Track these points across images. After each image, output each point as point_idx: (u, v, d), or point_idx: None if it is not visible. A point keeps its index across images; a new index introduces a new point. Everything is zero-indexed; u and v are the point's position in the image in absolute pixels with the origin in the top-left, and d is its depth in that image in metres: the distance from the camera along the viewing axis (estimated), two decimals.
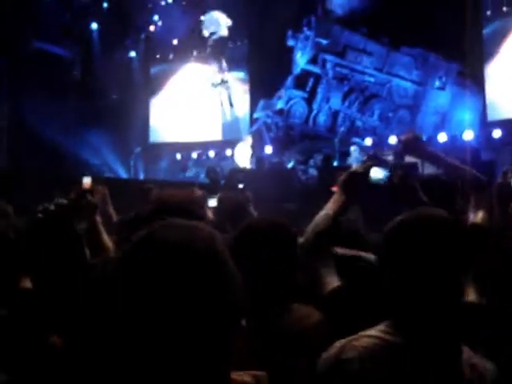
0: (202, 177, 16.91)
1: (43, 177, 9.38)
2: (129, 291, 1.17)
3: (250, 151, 15.93)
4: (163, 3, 19.63)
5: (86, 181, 4.47)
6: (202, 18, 19.19)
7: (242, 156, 16.07)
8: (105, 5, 19.13)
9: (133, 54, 20.13)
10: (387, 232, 1.86)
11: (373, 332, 1.77)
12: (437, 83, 16.96)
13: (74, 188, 3.74)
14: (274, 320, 2.18)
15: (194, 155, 18.73)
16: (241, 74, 19.65)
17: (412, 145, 3.21)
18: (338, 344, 1.76)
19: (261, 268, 2.23)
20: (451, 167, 3.14)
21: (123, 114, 18.50)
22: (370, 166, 2.76)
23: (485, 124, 14.86)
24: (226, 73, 19.67)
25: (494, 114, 14.96)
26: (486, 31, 15.40)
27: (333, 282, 2.44)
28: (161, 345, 1.14)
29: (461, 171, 3.10)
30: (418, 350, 1.71)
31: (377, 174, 2.76)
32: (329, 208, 2.69)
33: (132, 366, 1.16)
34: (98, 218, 3.54)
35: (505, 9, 15.20)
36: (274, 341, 2.10)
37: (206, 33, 19.33)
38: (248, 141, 16.08)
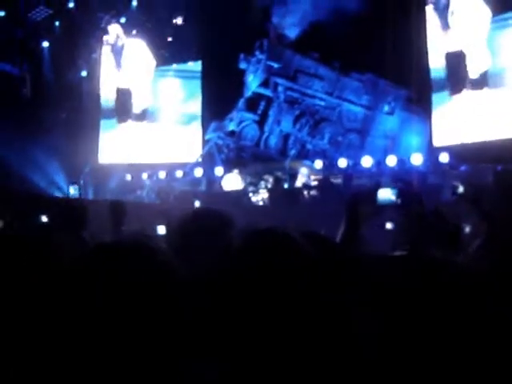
0: (153, 197, 16.82)
1: None
2: None
3: (239, 179, 15.87)
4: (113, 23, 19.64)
5: None
6: None
7: (231, 185, 15.91)
8: (57, 23, 18.97)
9: (84, 73, 19.97)
10: None
11: None
12: (386, 108, 17.25)
13: None
14: None
15: (144, 176, 18.55)
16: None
17: None
18: None
19: None
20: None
21: (72, 134, 18.32)
22: (376, 188, 2.76)
23: (431, 149, 15.15)
24: None
25: (440, 140, 15.28)
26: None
27: None
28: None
29: None
30: None
31: (385, 194, 2.75)
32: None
33: None
34: None
35: None
36: None
37: None
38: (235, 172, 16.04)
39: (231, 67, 17.58)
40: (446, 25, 15.26)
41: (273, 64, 17.43)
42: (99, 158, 20.09)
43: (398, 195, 2.76)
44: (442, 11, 15.21)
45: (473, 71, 14.68)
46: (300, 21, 16.74)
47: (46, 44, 19.11)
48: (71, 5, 18.74)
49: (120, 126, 20.17)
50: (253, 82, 17.73)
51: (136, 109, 20.08)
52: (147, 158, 19.65)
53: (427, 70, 15.65)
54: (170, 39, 19.67)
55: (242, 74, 17.94)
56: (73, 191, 16.14)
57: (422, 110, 16.25)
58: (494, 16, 14.24)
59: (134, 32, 19.65)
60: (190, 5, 18.75)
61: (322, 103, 17.57)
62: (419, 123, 16.30)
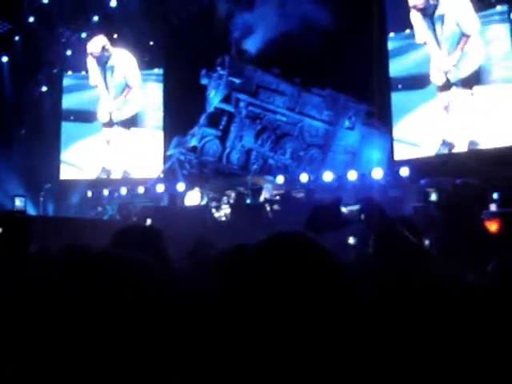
0: (114, 214, 16.70)
1: None
2: None
3: (199, 197, 15.87)
4: (74, 38, 19.55)
5: None
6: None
7: (193, 202, 15.90)
8: (16, 38, 18.81)
9: (44, 88, 19.82)
10: None
11: None
12: (346, 123, 17.44)
13: None
14: None
15: (106, 192, 18.43)
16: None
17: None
18: None
19: None
20: None
21: (32, 150, 18.13)
22: (338, 202, 2.76)
23: (392, 163, 15.29)
24: None
25: (400, 154, 15.42)
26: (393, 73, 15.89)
27: None
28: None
29: None
30: None
31: (348, 211, 2.76)
32: None
33: None
34: None
35: None
36: None
37: None
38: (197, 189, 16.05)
39: (193, 82, 17.59)
40: (434, 29, 15.27)
41: (234, 80, 17.50)
42: (60, 174, 19.91)
43: (361, 211, 2.78)
44: (431, 16, 15.28)
45: (463, 71, 14.71)
46: (261, 36, 16.83)
47: (5, 59, 18.94)
48: (31, 19, 18.59)
49: (103, 130, 20.21)
50: (214, 98, 17.76)
51: (122, 116, 20.11)
52: (109, 173, 19.63)
53: (388, 82, 15.80)
54: (151, 43, 19.70)
55: (203, 89, 17.97)
56: (18, 203, 15.82)
57: (382, 124, 16.40)
58: (479, 11, 14.35)
59: (115, 36, 19.62)
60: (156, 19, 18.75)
61: (284, 119, 17.69)
62: (380, 138, 16.48)
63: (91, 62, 19.92)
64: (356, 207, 2.75)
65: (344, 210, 2.73)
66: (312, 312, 1.55)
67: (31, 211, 17.45)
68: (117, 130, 20.04)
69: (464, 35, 14.66)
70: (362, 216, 2.73)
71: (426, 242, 6.81)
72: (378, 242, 2.78)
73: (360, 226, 2.82)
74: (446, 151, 14.69)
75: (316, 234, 2.70)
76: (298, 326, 1.52)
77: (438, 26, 15.17)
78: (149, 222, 11.89)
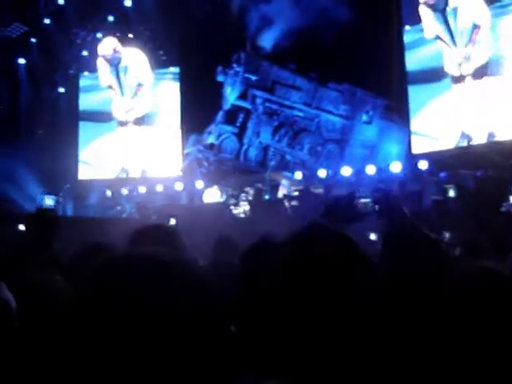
0: (133, 213, 16.74)
1: None
2: None
3: (219, 194, 15.93)
4: (90, 39, 19.62)
5: None
6: None
7: (212, 199, 15.94)
8: (33, 40, 18.93)
9: (61, 89, 19.92)
10: None
11: None
12: (364, 117, 17.31)
13: None
14: None
15: (125, 191, 18.48)
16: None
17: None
18: None
19: None
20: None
21: (50, 150, 18.21)
22: (353, 196, 2.75)
23: (410, 156, 15.22)
24: None
25: (419, 147, 15.34)
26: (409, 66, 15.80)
27: None
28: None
29: None
30: None
31: (362, 203, 2.77)
32: None
33: None
34: None
35: None
36: None
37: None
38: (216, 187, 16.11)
39: (210, 80, 17.59)
40: (447, 23, 15.14)
41: (250, 76, 17.48)
42: (79, 173, 20.01)
43: (375, 202, 2.77)
44: (443, 11, 15.16)
45: (475, 62, 14.58)
46: (276, 31, 16.79)
47: (22, 61, 19.06)
48: (47, 21, 18.71)
49: (119, 129, 20.26)
50: (231, 95, 17.76)
51: (136, 114, 20.14)
52: (128, 172, 19.69)
53: (404, 75, 15.71)
54: (167, 42, 19.70)
55: (220, 86, 17.96)
56: (49, 201, 15.90)
57: (400, 117, 16.31)
58: (492, 3, 14.23)
59: (131, 35, 19.65)
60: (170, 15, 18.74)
61: (301, 114, 17.63)
62: (398, 131, 16.38)
63: (102, 64, 19.97)
64: (369, 200, 2.74)
65: (358, 202, 2.72)
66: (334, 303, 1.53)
67: None
68: (134, 129, 20.08)
69: (476, 27, 14.55)
70: (377, 207, 2.72)
71: (447, 236, 6.78)
72: (390, 232, 2.75)
73: (376, 218, 2.80)
74: (464, 143, 14.58)
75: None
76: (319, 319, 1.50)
77: (450, 20, 15.05)
78: (173, 221, 11.88)
